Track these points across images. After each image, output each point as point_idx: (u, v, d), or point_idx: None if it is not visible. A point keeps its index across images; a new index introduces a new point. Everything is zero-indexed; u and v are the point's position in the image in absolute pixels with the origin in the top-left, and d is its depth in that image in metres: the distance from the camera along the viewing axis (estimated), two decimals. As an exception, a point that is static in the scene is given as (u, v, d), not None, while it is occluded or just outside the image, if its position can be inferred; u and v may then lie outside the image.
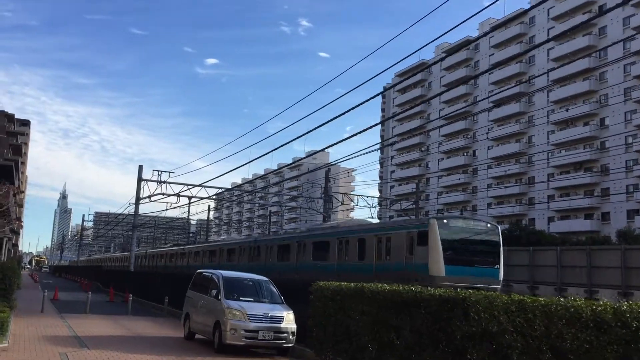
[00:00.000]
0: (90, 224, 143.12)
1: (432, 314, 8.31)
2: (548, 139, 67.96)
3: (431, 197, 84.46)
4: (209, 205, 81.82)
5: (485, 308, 7.47)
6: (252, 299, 13.61)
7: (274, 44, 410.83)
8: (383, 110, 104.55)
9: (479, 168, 77.07)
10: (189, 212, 44.32)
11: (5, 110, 63.02)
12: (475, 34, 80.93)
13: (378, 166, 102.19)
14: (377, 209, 59.56)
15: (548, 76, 65.88)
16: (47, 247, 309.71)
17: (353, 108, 16.13)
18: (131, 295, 23.09)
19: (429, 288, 8.76)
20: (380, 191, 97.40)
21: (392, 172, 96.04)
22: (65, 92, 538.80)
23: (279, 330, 12.73)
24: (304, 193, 77.88)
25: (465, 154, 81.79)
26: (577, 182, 63.22)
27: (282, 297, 14.01)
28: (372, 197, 66.65)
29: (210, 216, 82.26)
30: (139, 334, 16.13)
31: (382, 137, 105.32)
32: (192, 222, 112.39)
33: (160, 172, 42.33)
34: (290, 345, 12.96)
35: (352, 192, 59.40)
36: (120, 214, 74.80)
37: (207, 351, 13.16)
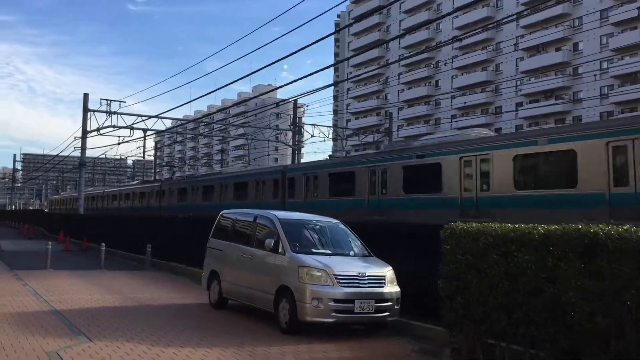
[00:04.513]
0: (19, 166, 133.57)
1: None
2: (517, 66, 64.91)
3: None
4: (155, 143, 75.81)
5: None
6: (329, 252, 9.16)
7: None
8: (337, 40, 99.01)
9: (442, 99, 73.64)
10: (144, 146, 38.70)
11: None
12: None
13: (332, 100, 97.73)
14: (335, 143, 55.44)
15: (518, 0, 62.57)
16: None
17: (305, 47, 15.37)
18: (104, 244, 18.24)
19: None
20: (335, 125, 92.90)
21: (348, 105, 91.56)
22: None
23: (382, 298, 8.38)
24: (254, 130, 72.38)
25: (428, 84, 78.04)
26: (547, 111, 60.85)
27: (367, 247, 9.66)
28: (344, 128, 62.41)
29: (151, 156, 76.38)
30: (140, 301, 11.54)
31: (336, 68, 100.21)
32: (130, 161, 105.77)
33: (109, 102, 37.13)
34: (394, 318, 8.70)
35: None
36: (56, 156, 67.74)
37: (268, 331, 8.77)
